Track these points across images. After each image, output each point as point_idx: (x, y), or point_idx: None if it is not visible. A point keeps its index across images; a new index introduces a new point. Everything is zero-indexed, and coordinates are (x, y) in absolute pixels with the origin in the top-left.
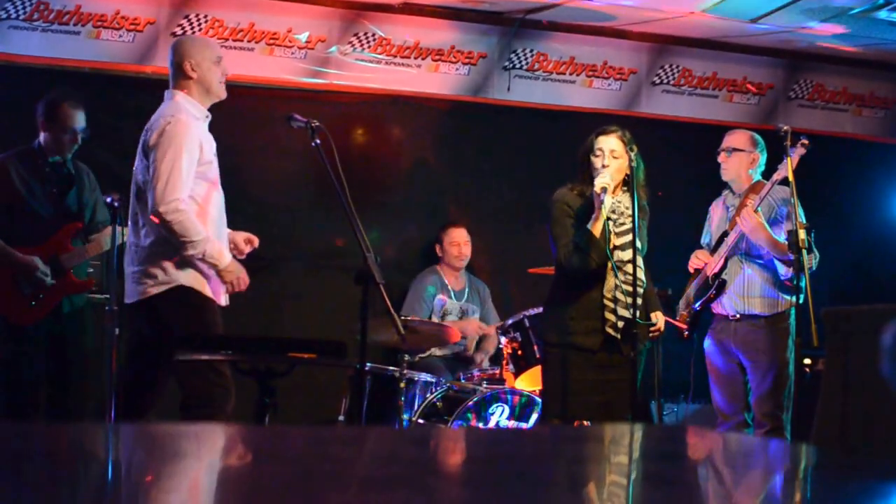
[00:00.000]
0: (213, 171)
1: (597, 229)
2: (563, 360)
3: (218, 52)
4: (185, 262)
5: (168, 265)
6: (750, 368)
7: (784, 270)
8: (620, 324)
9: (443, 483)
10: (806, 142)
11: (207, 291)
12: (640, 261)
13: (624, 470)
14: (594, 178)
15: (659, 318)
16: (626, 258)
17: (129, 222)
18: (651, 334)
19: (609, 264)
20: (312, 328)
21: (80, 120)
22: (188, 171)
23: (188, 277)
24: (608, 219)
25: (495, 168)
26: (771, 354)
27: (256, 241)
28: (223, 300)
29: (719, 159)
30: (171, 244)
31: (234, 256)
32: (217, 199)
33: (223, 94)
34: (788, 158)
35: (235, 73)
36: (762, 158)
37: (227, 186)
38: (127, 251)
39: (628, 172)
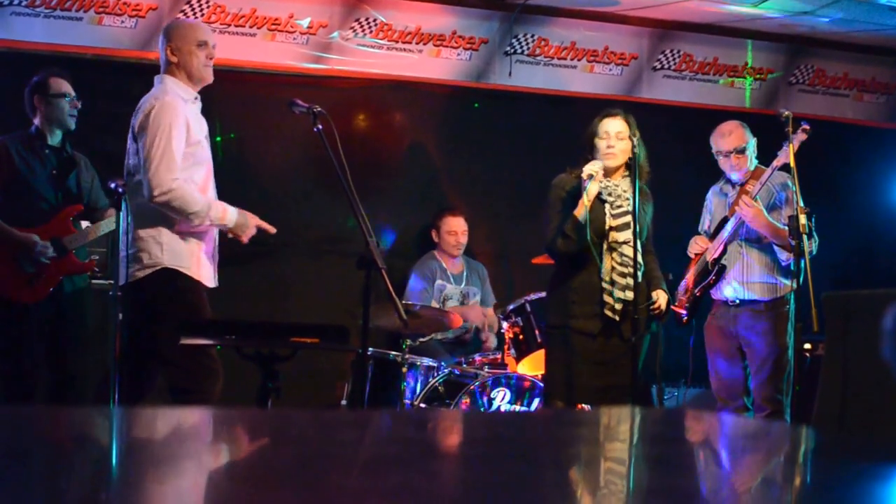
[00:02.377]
0: (203, 152)
1: (580, 214)
2: (565, 342)
3: (202, 36)
4: (171, 245)
5: (153, 248)
6: (749, 353)
7: (784, 256)
8: (619, 306)
9: (445, 464)
10: (807, 127)
11: (194, 274)
12: (638, 244)
13: (624, 452)
14: (596, 161)
15: (660, 297)
16: (621, 239)
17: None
18: (652, 312)
19: (604, 246)
20: (315, 313)
21: (68, 87)
22: (178, 150)
23: (173, 260)
24: (604, 202)
25: (496, 153)
26: (770, 339)
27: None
28: (211, 282)
29: (732, 162)
30: (156, 227)
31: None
32: (211, 181)
33: (208, 78)
34: (790, 144)
35: (237, 59)
36: (754, 143)
37: (229, 172)
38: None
39: (630, 157)
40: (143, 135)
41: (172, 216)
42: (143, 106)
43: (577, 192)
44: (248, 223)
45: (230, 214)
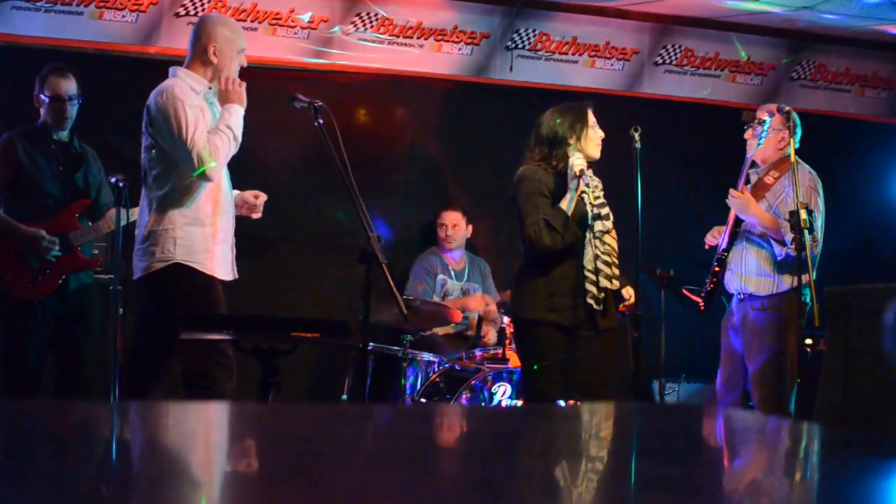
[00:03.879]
0: None
1: (571, 209)
2: (545, 337)
3: (242, 43)
4: (184, 240)
5: (167, 243)
6: (745, 349)
7: (777, 250)
8: (602, 295)
9: (446, 459)
10: (787, 108)
11: (207, 269)
12: (614, 233)
13: (626, 445)
14: (578, 154)
15: (630, 293)
16: (604, 228)
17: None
18: (623, 305)
19: (588, 236)
20: (315, 307)
21: (67, 87)
22: (201, 127)
23: (186, 255)
24: (583, 192)
25: (497, 148)
26: (763, 336)
27: (263, 195)
28: (228, 276)
29: (746, 136)
30: (170, 222)
31: (246, 214)
32: (225, 172)
33: None
34: (791, 139)
35: None
36: (797, 135)
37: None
38: (136, 229)
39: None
40: (159, 127)
41: (226, 154)
42: (150, 102)
43: (556, 189)
44: (238, 87)
45: (235, 108)
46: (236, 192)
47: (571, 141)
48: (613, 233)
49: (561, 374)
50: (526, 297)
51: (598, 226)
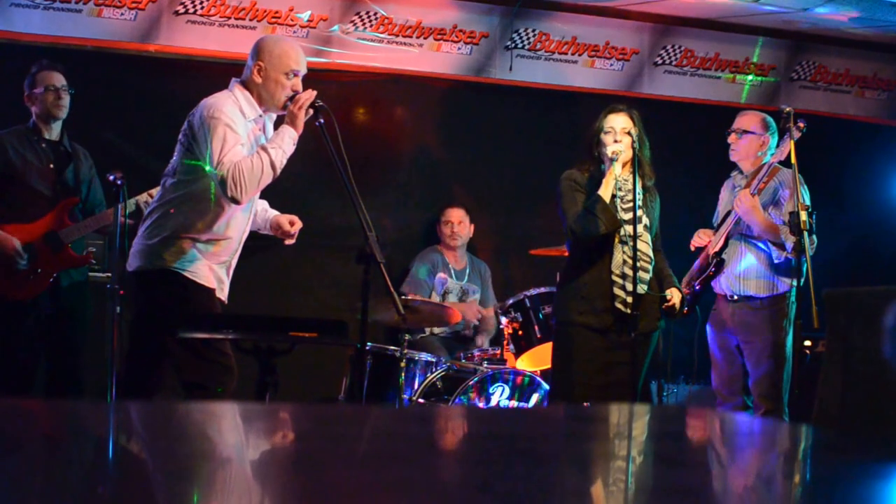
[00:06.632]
0: None
1: (606, 194)
2: (574, 339)
3: (294, 65)
4: (178, 250)
5: (158, 247)
6: (745, 350)
7: (777, 254)
8: (630, 299)
9: (444, 460)
10: (802, 124)
11: (200, 279)
12: (647, 237)
13: (625, 449)
14: (604, 156)
15: (674, 294)
16: (632, 233)
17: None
18: (664, 308)
19: (616, 238)
20: (313, 307)
21: (58, 78)
22: (236, 149)
23: (178, 263)
24: (614, 196)
25: (497, 148)
26: (765, 336)
27: (299, 222)
28: (221, 294)
29: (729, 140)
30: (168, 230)
31: (280, 238)
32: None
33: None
34: (791, 141)
35: (237, 52)
36: (773, 141)
37: None
38: (144, 213)
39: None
40: (199, 143)
41: (256, 184)
42: (197, 111)
43: (590, 185)
44: (306, 99)
45: (293, 133)
46: (273, 213)
47: (595, 146)
48: (645, 236)
49: (588, 375)
50: (561, 300)
51: (625, 230)
